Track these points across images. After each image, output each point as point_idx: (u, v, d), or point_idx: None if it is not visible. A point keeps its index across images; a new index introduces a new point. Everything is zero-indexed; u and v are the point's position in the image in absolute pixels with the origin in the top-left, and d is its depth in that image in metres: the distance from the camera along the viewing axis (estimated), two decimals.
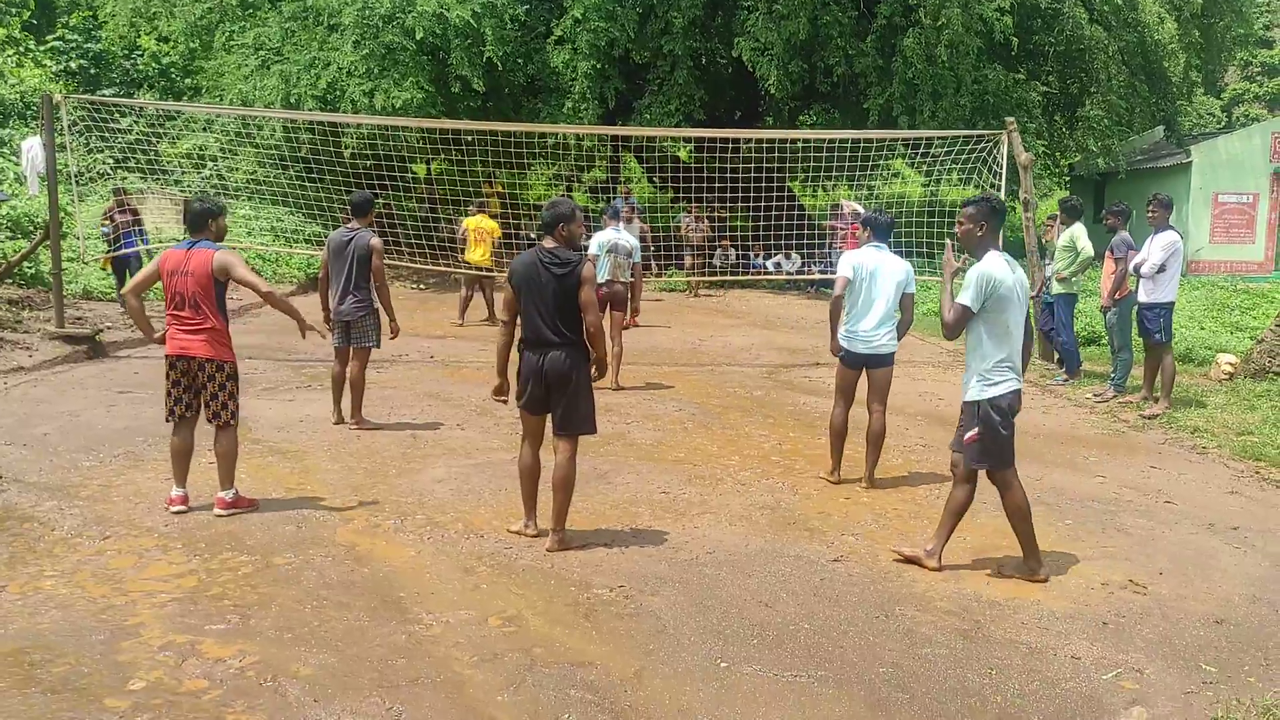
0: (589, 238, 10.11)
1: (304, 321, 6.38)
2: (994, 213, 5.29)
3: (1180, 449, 8.32)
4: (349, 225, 8.23)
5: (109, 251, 12.57)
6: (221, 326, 6.04)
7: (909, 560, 5.49)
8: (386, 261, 8.33)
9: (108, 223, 13.66)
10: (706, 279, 18.56)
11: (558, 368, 5.55)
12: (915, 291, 7.08)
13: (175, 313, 6.00)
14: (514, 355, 5.72)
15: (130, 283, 6.18)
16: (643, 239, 14.53)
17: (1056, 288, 10.73)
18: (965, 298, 5.15)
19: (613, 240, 10.02)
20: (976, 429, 5.24)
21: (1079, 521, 6.36)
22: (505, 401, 5.94)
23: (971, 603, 5.06)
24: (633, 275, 10.31)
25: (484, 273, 14.13)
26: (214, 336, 6.00)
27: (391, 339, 8.40)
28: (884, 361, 6.97)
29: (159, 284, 6.08)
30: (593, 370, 5.72)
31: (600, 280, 9.90)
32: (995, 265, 5.16)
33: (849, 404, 7.09)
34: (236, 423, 6.17)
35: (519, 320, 5.65)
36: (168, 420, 6.11)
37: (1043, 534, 6.08)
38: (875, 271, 6.85)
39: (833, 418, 7.14)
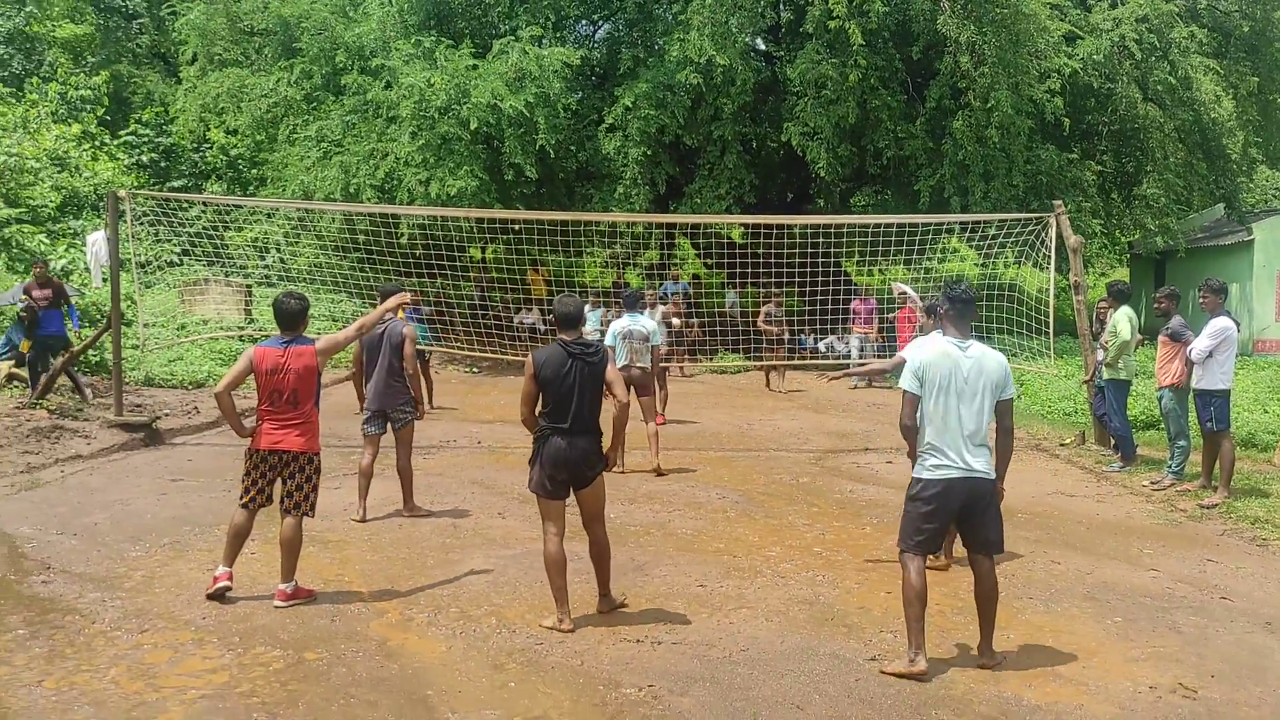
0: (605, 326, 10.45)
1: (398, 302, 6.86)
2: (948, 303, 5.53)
3: (1239, 540, 8.05)
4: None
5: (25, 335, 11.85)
6: (315, 419, 6.22)
7: (903, 676, 5.20)
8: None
9: (25, 297, 12.45)
10: (768, 364, 17.91)
11: (585, 455, 5.87)
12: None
13: (270, 408, 6.13)
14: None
15: (223, 381, 6.25)
16: (666, 320, 14.69)
17: (1106, 373, 10.53)
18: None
19: (627, 327, 10.30)
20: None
21: (1129, 619, 6.15)
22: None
23: (1011, 706, 4.90)
24: (653, 360, 10.42)
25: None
26: (308, 429, 6.17)
27: (418, 419, 8.52)
28: None
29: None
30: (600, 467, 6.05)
31: (619, 364, 10.13)
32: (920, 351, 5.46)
33: None
34: (314, 515, 6.29)
35: (539, 410, 5.96)
36: (244, 506, 6.21)
37: (1091, 632, 5.92)
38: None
39: None
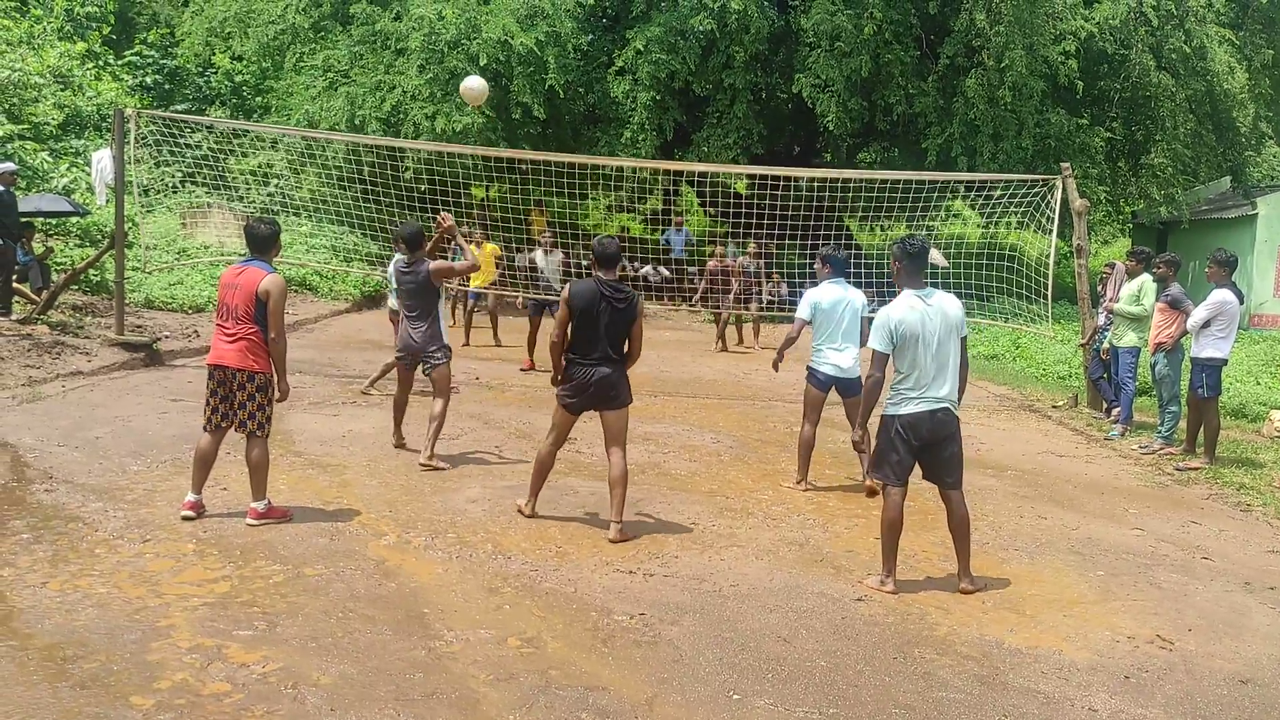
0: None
1: (284, 379, 6.33)
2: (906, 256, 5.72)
3: (1224, 505, 8.18)
4: (408, 259, 8.19)
5: None
6: (258, 338, 6.15)
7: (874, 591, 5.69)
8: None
9: None
10: (754, 314, 17.93)
11: (606, 382, 6.29)
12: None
13: (220, 323, 6.20)
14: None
15: None
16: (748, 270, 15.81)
17: (1123, 340, 10.47)
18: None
19: None
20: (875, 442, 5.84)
21: (1111, 573, 6.28)
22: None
23: (993, 649, 5.02)
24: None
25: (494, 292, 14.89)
26: (249, 347, 6.13)
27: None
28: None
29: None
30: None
31: None
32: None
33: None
34: (265, 434, 6.26)
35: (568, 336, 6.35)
36: (204, 429, 6.29)
37: (1073, 584, 6.05)
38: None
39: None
